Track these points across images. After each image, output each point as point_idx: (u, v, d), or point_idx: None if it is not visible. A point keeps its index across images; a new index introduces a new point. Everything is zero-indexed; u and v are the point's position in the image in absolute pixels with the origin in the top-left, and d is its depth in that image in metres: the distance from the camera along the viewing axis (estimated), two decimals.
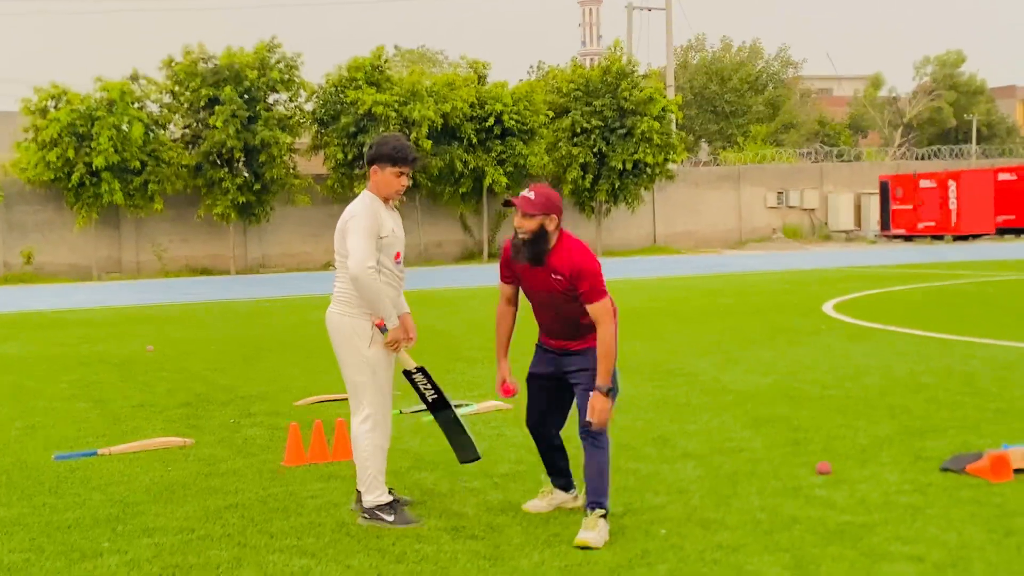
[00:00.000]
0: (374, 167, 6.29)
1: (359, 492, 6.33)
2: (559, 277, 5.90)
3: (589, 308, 5.88)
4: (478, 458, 6.60)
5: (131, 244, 39.39)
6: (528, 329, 6.44)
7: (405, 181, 6.33)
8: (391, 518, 6.08)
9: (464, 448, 6.57)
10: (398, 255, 6.32)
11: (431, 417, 8.98)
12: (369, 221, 6.14)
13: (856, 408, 9.02)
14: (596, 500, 5.81)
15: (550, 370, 6.18)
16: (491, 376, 11.37)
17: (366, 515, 6.14)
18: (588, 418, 5.84)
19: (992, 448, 7.13)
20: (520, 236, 5.92)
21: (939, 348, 12.49)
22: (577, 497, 6.36)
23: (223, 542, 5.83)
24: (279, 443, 8.24)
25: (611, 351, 5.85)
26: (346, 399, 10.08)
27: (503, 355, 6.36)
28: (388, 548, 5.61)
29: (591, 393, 5.84)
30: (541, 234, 5.90)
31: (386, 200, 6.33)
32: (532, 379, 6.28)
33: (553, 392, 6.22)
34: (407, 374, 6.51)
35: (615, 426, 8.52)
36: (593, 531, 5.67)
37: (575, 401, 6.10)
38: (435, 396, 6.53)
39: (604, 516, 5.77)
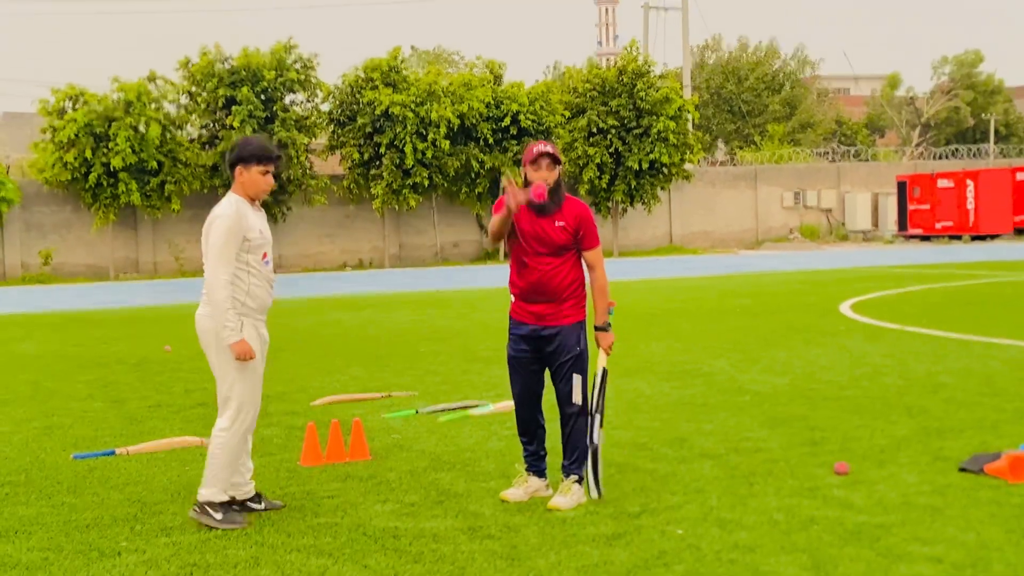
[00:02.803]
0: (238, 168, 6.30)
1: (256, 494, 6.44)
2: (562, 224, 6.33)
3: (588, 254, 6.42)
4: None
5: (148, 244, 39.51)
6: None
7: (271, 180, 6.36)
8: (219, 516, 6.11)
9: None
10: (265, 255, 6.31)
11: (447, 418, 9.04)
12: (232, 224, 6.14)
13: (874, 408, 8.99)
14: (573, 467, 6.39)
15: (530, 349, 6.50)
16: (506, 376, 11.35)
17: (196, 508, 6.19)
18: (603, 352, 6.50)
19: (1011, 448, 7.10)
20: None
21: (957, 348, 12.44)
22: (549, 485, 6.60)
23: (241, 541, 5.84)
24: (296, 443, 8.25)
25: (607, 290, 6.50)
26: (365, 399, 10.18)
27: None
28: (405, 548, 5.62)
29: (575, 374, 6.37)
30: (560, 181, 6.37)
31: (252, 200, 6.34)
32: (515, 361, 6.60)
33: (539, 370, 6.54)
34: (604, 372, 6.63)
35: (632, 426, 8.53)
36: (566, 496, 6.27)
37: (558, 384, 6.47)
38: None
39: (579, 482, 6.35)
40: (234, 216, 6.17)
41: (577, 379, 6.40)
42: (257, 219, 6.31)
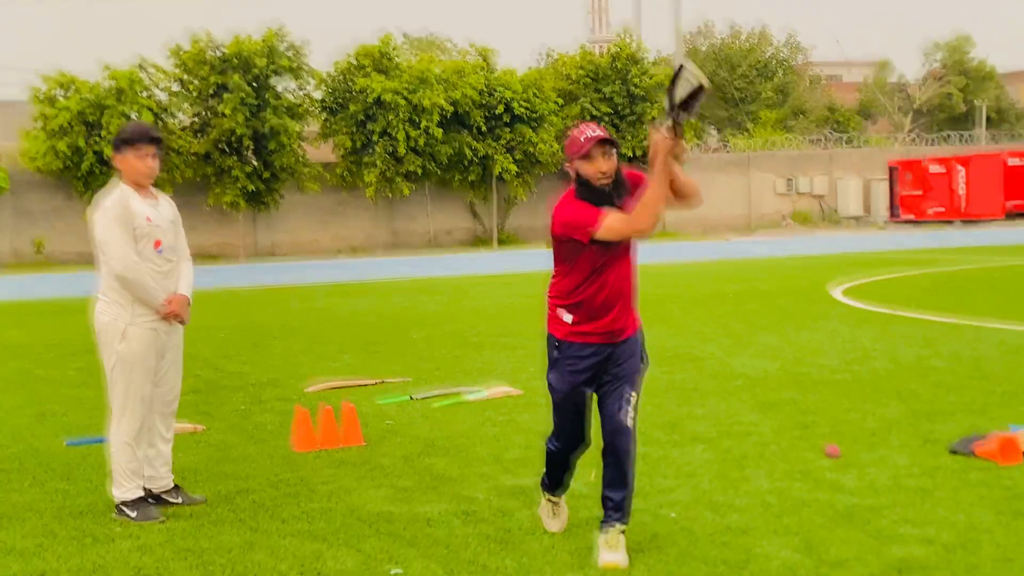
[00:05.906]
0: (116, 156, 6.14)
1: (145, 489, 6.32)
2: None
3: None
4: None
5: None
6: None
7: (151, 162, 6.15)
8: (134, 514, 6.06)
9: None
10: (158, 243, 6.16)
11: (440, 403, 9.06)
12: (115, 216, 6.02)
13: (864, 392, 9.03)
14: (622, 515, 5.20)
15: (590, 373, 5.23)
16: (499, 362, 11.39)
17: (115, 509, 6.15)
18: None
19: (1000, 430, 7.14)
20: (602, 182, 4.98)
21: (947, 332, 12.48)
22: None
23: (235, 527, 5.86)
24: (290, 429, 8.26)
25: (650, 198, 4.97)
26: (359, 385, 10.20)
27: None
28: (399, 532, 5.64)
29: (631, 393, 5.25)
30: (619, 168, 5.06)
31: (139, 186, 6.16)
32: (574, 391, 5.26)
33: (589, 401, 5.35)
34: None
35: None
36: (620, 551, 5.10)
37: (607, 401, 5.25)
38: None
39: (623, 531, 5.21)
40: (115, 208, 6.03)
41: (633, 397, 5.26)
42: (145, 206, 6.12)
